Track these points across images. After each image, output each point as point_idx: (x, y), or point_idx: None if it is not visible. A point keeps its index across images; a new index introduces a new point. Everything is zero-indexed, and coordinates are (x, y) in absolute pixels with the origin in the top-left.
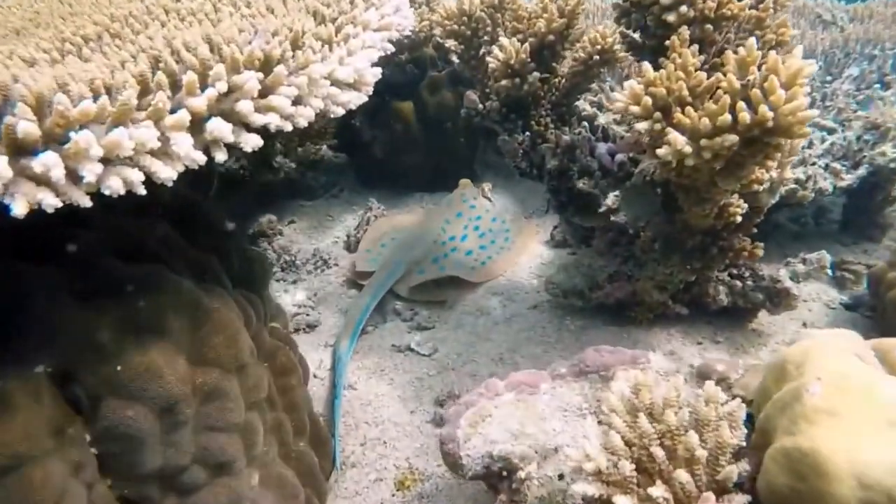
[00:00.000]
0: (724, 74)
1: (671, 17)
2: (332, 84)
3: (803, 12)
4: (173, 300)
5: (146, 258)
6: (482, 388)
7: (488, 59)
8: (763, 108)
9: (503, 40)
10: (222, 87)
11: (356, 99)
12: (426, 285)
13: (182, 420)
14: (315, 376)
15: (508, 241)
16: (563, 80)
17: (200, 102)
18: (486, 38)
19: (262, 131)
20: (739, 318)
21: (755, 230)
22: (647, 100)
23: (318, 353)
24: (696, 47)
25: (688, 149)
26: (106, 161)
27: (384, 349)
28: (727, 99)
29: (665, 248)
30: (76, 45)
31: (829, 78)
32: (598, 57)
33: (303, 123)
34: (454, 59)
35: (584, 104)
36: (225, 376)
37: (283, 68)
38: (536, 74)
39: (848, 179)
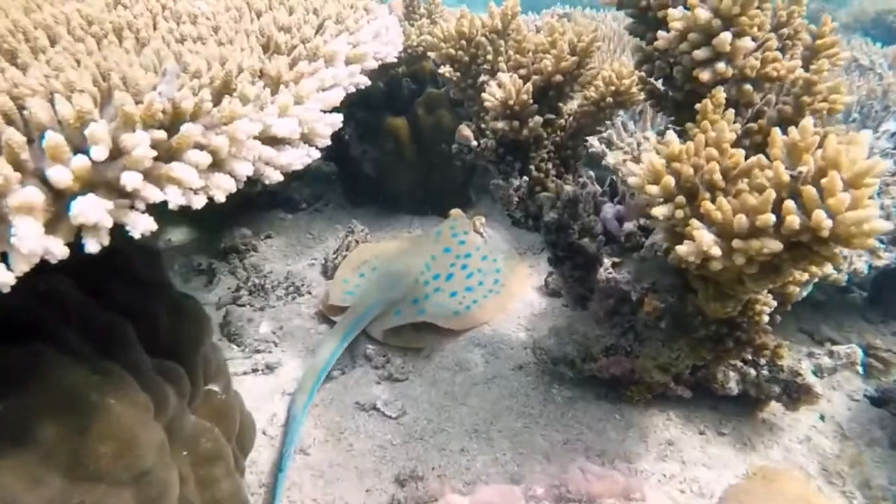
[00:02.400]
0: (769, 158)
1: (705, 76)
2: (267, 142)
3: None
4: (49, 398)
5: (30, 334)
6: None
7: (484, 95)
8: (819, 214)
9: (502, 76)
10: (100, 153)
11: (301, 159)
12: (403, 328)
13: None
14: (265, 433)
15: (498, 283)
16: (570, 119)
17: (64, 176)
18: (485, 66)
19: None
20: (748, 405)
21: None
22: (670, 179)
23: (274, 404)
24: (731, 112)
25: (716, 250)
26: None
27: (347, 405)
28: (771, 193)
29: (672, 329)
30: None
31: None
32: (611, 99)
33: (220, 197)
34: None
35: (591, 139)
36: (114, 491)
37: (193, 126)
38: (539, 119)
39: (886, 258)
